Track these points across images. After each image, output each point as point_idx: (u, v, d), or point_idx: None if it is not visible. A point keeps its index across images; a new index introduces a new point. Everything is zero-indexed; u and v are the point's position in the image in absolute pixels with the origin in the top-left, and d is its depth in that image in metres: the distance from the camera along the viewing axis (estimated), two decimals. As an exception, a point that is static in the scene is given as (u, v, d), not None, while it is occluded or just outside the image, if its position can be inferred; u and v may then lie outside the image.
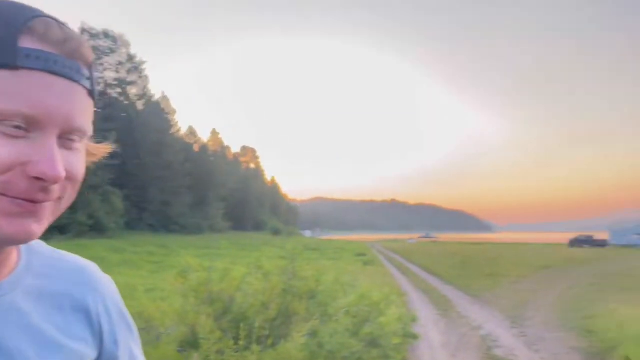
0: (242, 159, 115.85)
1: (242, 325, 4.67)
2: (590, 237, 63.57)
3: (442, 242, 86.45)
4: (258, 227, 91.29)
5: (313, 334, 5.06)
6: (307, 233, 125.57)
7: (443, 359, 7.72)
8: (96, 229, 45.42)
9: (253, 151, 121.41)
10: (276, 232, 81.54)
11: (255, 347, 4.28)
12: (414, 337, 8.85)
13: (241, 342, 4.48)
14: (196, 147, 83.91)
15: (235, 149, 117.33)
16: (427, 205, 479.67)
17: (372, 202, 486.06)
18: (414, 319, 10.34)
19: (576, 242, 60.89)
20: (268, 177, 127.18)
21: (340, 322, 5.20)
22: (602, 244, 58.92)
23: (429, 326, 10.43)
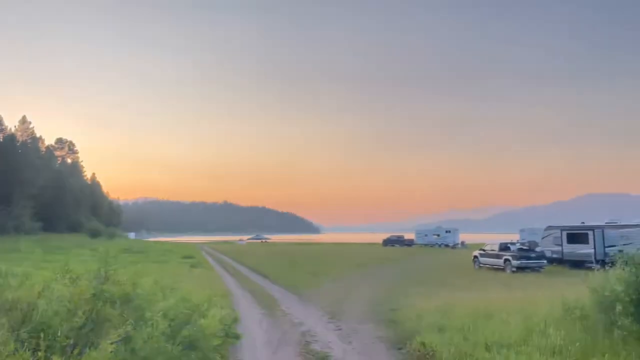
0: (57, 153, 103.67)
1: (43, 335, 4.19)
2: (401, 237, 71.21)
3: (271, 243, 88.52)
4: (74, 228, 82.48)
5: (127, 340, 4.76)
6: (132, 235, 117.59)
7: (264, 357, 7.90)
8: None
9: (70, 144, 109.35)
10: (95, 234, 74.62)
11: (55, 358, 3.86)
12: (236, 337, 8.89)
13: (40, 354, 4.02)
14: (0, 137, 72.92)
15: (49, 140, 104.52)
16: (259, 207, 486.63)
17: (203, 202, 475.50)
18: (236, 320, 10.39)
19: (388, 242, 67.70)
20: (88, 173, 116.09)
21: (157, 326, 4.98)
22: (409, 243, 66.44)
23: (253, 325, 10.59)
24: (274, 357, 7.83)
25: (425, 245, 63.91)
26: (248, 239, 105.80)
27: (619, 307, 7.18)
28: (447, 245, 60.98)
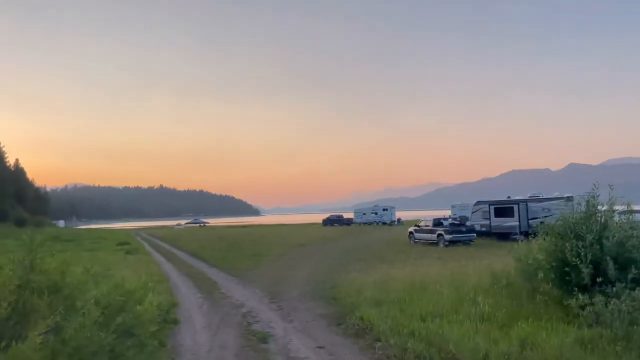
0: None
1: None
2: (341, 216, 72.25)
3: (210, 227, 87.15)
4: (-4, 217, 77.26)
5: (56, 330, 4.53)
6: (61, 223, 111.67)
7: (204, 339, 7.81)
8: None
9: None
10: (20, 222, 70.30)
11: (-24, 355, 3.62)
12: (175, 322, 8.73)
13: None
14: None
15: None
16: (196, 191, 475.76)
17: (137, 187, 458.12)
18: (175, 305, 10.19)
19: (328, 222, 68.51)
20: (11, 159, 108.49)
21: (89, 315, 4.77)
22: (348, 222, 67.57)
23: (192, 310, 10.43)
24: (214, 339, 7.76)
25: (364, 223, 65.22)
26: (186, 223, 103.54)
27: (540, 275, 7.69)
28: (384, 223, 62.58)
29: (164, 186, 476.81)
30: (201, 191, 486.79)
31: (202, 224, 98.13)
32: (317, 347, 7.16)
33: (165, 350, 6.83)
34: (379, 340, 7.09)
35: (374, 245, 28.65)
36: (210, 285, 14.15)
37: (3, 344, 4.15)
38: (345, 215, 72.97)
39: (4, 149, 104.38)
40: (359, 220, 67.64)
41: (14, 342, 4.13)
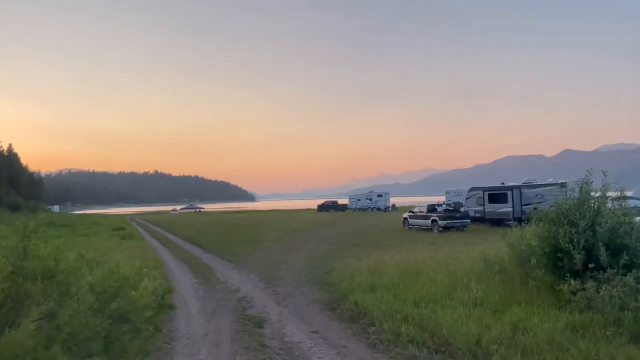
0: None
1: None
2: (336, 202, 72.43)
3: (205, 213, 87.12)
4: (-11, 203, 76.82)
5: (51, 316, 4.52)
6: (55, 208, 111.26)
7: (199, 324, 7.83)
8: None
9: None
10: (14, 208, 69.91)
11: (-30, 342, 3.60)
12: (170, 307, 8.74)
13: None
14: None
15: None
16: (191, 176, 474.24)
17: (133, 173, 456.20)
18: (170, 290, 10.19)
19: (323, 207, 68.71)
20: (4, 145, 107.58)
21: (84, 300, 4.76)
22: (343, 208, 67.76)
23: (188, 295, 10.44)
24: (209, 325, 7.78)
25: (359, 209, 65.46)
26: (181, 208, 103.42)
27: (533, 260, 7.73)
28: (379, 209, 62.79)
29: (159, 171, 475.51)
30: (196, 177, 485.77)
31: (197, 210, 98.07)
32: (311, 332, 7.20)
33: (160, 335, 6.84)
34: (372, 325, 7.14)
35: (369, 230, 28.73)
36: (206, 271, 14.16)
37: (-3, 331, 4.14)
38: (340, 201, 73.12)
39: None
40: (353, 206, 67.87)
41: (7, 329, 4.11)
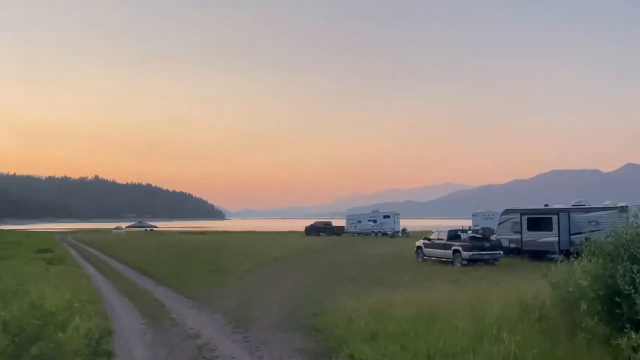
0: None
1: None
2: (328, 223, 72.37)
3: (159, 232, 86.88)
4: None
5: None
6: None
7: (146, 379, 7.77)
8: None
9: None
10: None
11: None
12: (108, 355, 8.65)
13: None
14: None
15: None
16: (142, 185, 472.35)
17: (65, 178, 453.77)
18: (109, 332, 10.11)
19: (313, 230, 68.63)
20: None
21: (-5, 343, 4.71)
22: (339, 231, 67.68)
23: (132, 339, 10.35)
24: (159, 380, 7.72)
25: (359, 233, 65.45)
26: (127, 226, 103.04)
27: (583, 306, 7.73)
28: (385, 234, 62.85)
29: (100, 177, 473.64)
30: (149, 185, 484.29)
31: (148, 229, 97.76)
32: (292, 393, 7.16)
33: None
34: (373, 386, 7.11)
35: (371, 261, 28.74)
36: (157, 308, 14.09)
37: None
38: (335, 222, 73.09)
39: None
40: (352, 229, 67.88)
41: None
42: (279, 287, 18.18)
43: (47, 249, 35.34)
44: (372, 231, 64.62)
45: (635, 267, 7.23)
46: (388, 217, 66.44)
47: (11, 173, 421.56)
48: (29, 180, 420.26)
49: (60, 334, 5.61)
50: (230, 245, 43.30)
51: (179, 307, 14.34)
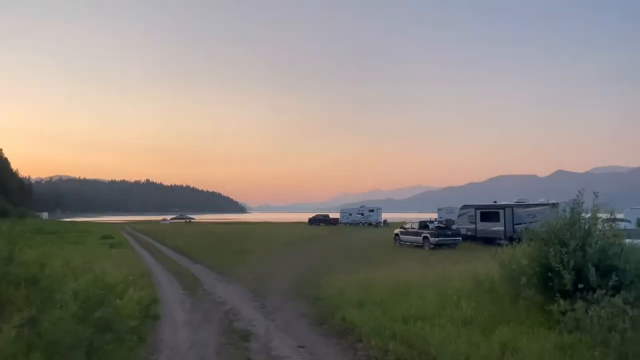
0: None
1: None
2: (327, 216, 72.34)
3: (196, 223, 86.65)
4: (-23, 208, 76.03)
5: (32, 322, 4.45)
6: (44, 215, 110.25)
7: (185, 336, 7.74)
8: None
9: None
10: (2, 214, 69.18)
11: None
12: (156, 317, 8.63)
13: None
14: None
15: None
16: (182, 186, 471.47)
17: (123, 181, 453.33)
18: (156, 300, 10.08)
19: (314, 221, 68.57)
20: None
21: (67, 308, 4.69)
22: (334, 222, 67.64)
23: (174, 306, 10.35)
24: (195, 337, 7.70)
25: (350, 224, 65.33)
26: (172, 218, 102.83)
27: (523, 279, 7.73)
28: (370, 224, 62.73)
29: (150, 181, 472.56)
30: (187, 187, 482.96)
31: (187, 220, 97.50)
32: (298, 347, 7.13)
33: (144, 346, 6.74)
34: (360, 341, 7.09)
35: (360, 246, 28.69)
36: (193, 282, 14.06)
37: (-23, 336, 4.07)
38: (332, 215, 73.01)
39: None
40: (345, 220, 67.73)
41: (-12, 335, 4.04)
42: (288, 265, 18.13)
43: (109, 236, 35.27)
44: (360, 222, 64.49)
45: (563, 250, 7.24)
46: (373, 210, 66.38)
47: (82, 177, 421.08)
48: (96, 183, 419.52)
49: (117, 301, 5.58)
50: (251, 233, 43.25)
51: (211, 281, 14.31)
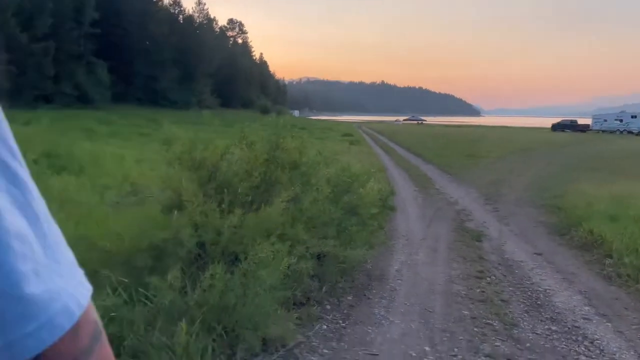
0: (229, 34, 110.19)
1: (226, 191, 4.79)
2: (574, 121, 64.17)
3: (427, 125, 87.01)
4: (246, 105, 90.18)
5: (295, 200, 5.24)
6: (296, 113, 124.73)
7: (418, 228, 8.16)
8: (82, 100, 44.59)
9: (240, 25, 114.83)
10: (264, 110, 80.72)
11: (237, 210, 4.43)
12: (392, 208, 9.25)
13: (224, 206, 4.62)
14: (181, 19, 79.69)
15: (222, 21, 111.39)
16: (416, 88, 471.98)
17: (361, 83, 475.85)
18: (392, 193, 10.72)
19: (558, 127, 61.61)
20: (256, 54, 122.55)
21: (322, 191, 5.36)
22: (583, 129, 59.72)
23: (407, 200, 10.86)
24: (427, 230, 8.03)
25: (604, 131, 56.93)
26: (404, 119, 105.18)
27: None
28: (630, 132, 53.53)
29: (385, 82, 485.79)
30: (421, 88, 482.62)
31: (419, 122, 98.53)
32: (534, 253, 6.84)
33: (382, 232, 7.36)
34: (609, 256, 6.39)
35: (613, 155, 24.95)
36: (425, 180, 14.41)
37: (254, 205, 5.00)
38: (581, 121, 64.50)
39: (251, 43, 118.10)
40: (597, 127, 59.23)
41: (263, 206, 4.94)
42: (524, 172, 17.02)
43: (349, 134, 38.14)
44: (618, 129, 55.52)
45: None
46: (635, 117, 56.11)
47: (326, 79, 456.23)
48: (337, 84, 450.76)
49: (361, 190, 6.12)
50: (484, 137, 41.46)
51: (441, 181, 14.45)
